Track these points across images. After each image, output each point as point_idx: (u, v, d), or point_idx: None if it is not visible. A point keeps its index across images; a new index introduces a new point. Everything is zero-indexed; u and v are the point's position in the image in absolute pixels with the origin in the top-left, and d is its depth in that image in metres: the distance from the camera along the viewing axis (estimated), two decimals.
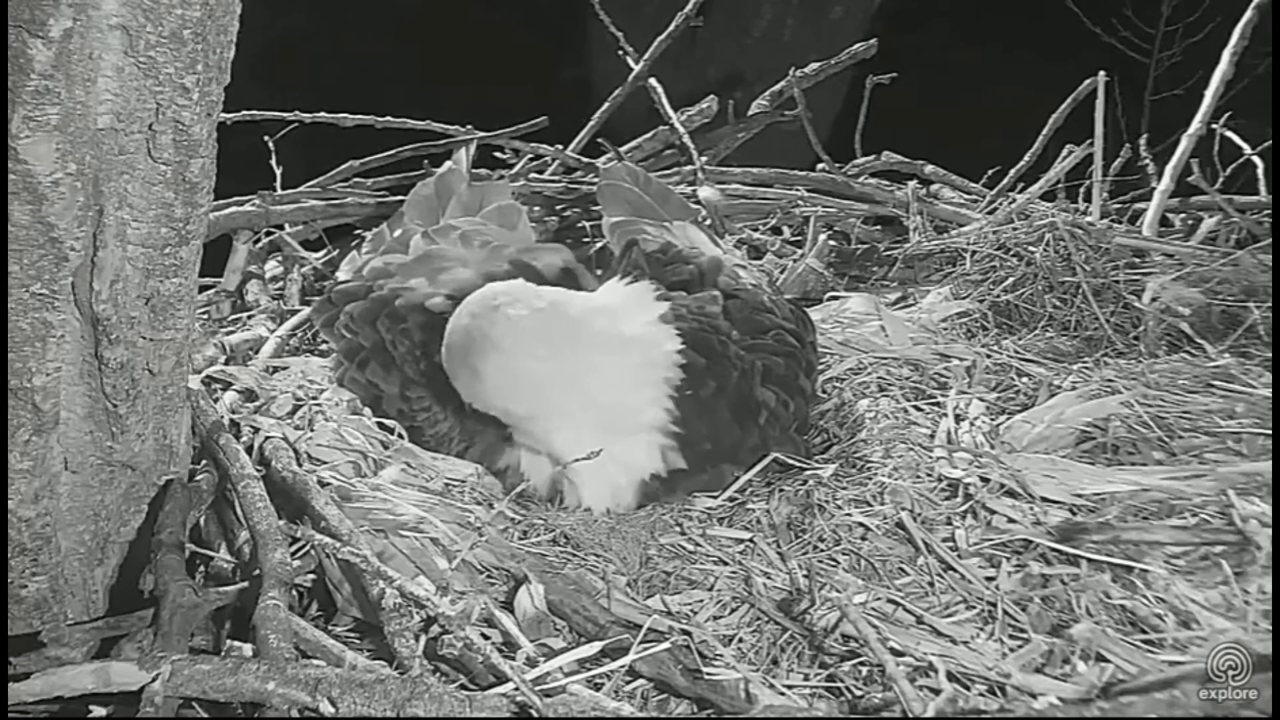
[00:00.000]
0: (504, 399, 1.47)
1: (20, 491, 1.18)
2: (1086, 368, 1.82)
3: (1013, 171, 2.76)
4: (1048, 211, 2.26)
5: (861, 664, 1.17)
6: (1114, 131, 2.95)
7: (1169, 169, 2.50)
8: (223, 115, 1.20)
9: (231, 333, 2.02)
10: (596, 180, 2.24)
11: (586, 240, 2.43)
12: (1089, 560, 1.27)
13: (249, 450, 1.45)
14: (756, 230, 2.66)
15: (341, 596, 1.25)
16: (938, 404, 1.70)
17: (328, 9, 5.15)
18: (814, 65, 3.19)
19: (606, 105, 3.01)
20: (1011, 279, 2.12)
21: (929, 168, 2.96)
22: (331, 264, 2.38)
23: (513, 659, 1.13)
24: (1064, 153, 2.63)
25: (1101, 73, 2.56)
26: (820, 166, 2.95)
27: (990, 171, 2.87)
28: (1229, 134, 2.65)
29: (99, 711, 1.01)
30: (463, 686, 1.10)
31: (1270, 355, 1.82)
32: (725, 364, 1.57)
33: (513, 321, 1.45)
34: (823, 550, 1.38)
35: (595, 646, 1.17)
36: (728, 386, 1.56)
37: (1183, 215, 2.59)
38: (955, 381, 1.77)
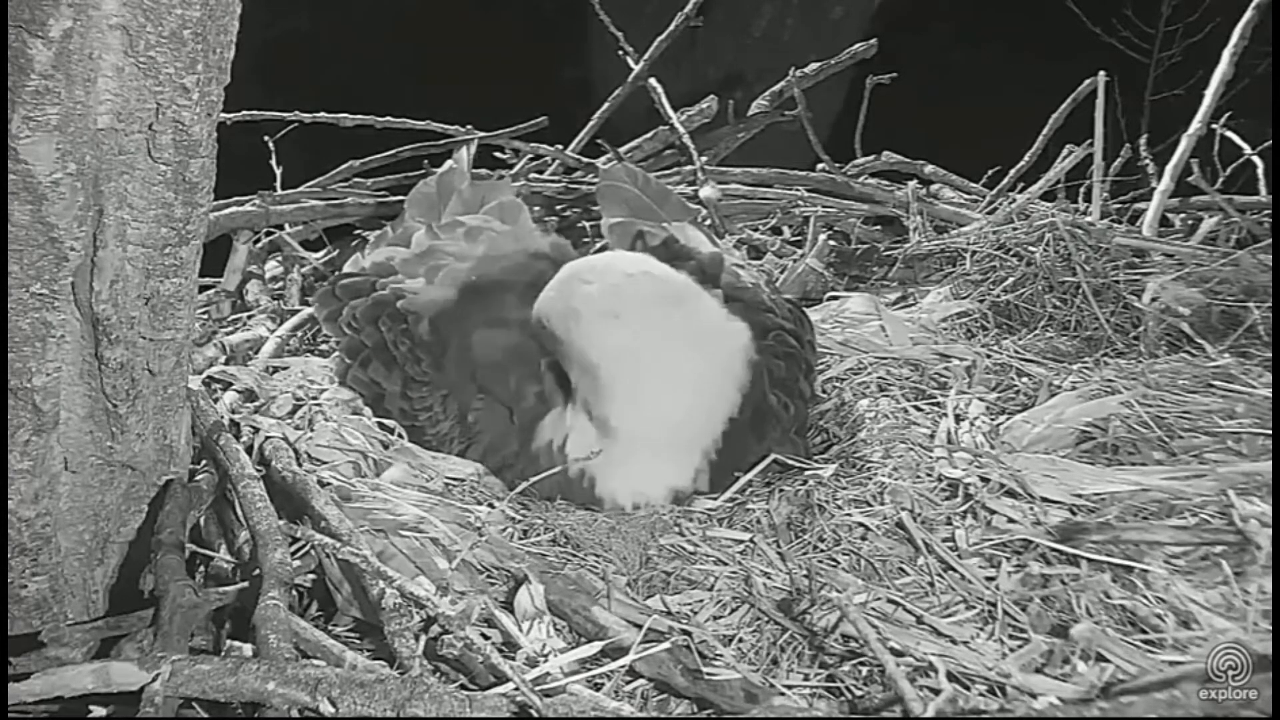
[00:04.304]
0: (612, 357, 1.48)
1: (20, 491, 1.18)
2: (1086, 368, 1.81)
3: (1013, 171, 2.76)
4: (1048, 211, 2.26)
5: (861, 664, 1.17)
6: (1114, 131, 2.95)
7: (1169, 169, 2.50)
8: (223, 115, 1.20)
9: (231, 333, 2.03)
10: (596, 180, 2.24)
11: (586, 240, 2.43)
12: (1089, 560, 1.27)
13: (249, 450, 1.45)
14: (756, 230, 2.66)
15: (341, 596, 1.25)
16: (938, 404, 1.70)
17: (328, 9, 5.14)
18: (814, 65, 3.19)
19: (606, 105, 3.01)
20: (1011, 279, 2.12)
21: (929, 168, 2.96)
22: (331, 264, 2.38)
23: (513, 659, 1.13)
24: (1064, 153, 2.63)
25: (1101, 73, 2.56)
26: (820, 166, 2.95)
27: (990, 171, 2.87)
28: (1229, 134, 2.65)
29: (99, 711, 1.01)
30: (463, 686, 1.10)
31: (1270, 355, 1.82)
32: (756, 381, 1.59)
33: (655, 285, 1.52)
34: (823, 550, 1.37)
35: (595, 646, 1.17)
36: (753, 404, 1.57)
37: (1183, 215, 2.59)
38: (955, 381, 1.77)
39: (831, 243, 2.42)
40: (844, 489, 1.48)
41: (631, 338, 1.48)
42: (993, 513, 1.39)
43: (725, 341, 1.56)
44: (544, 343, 1.55)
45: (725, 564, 1.37)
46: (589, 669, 1.14)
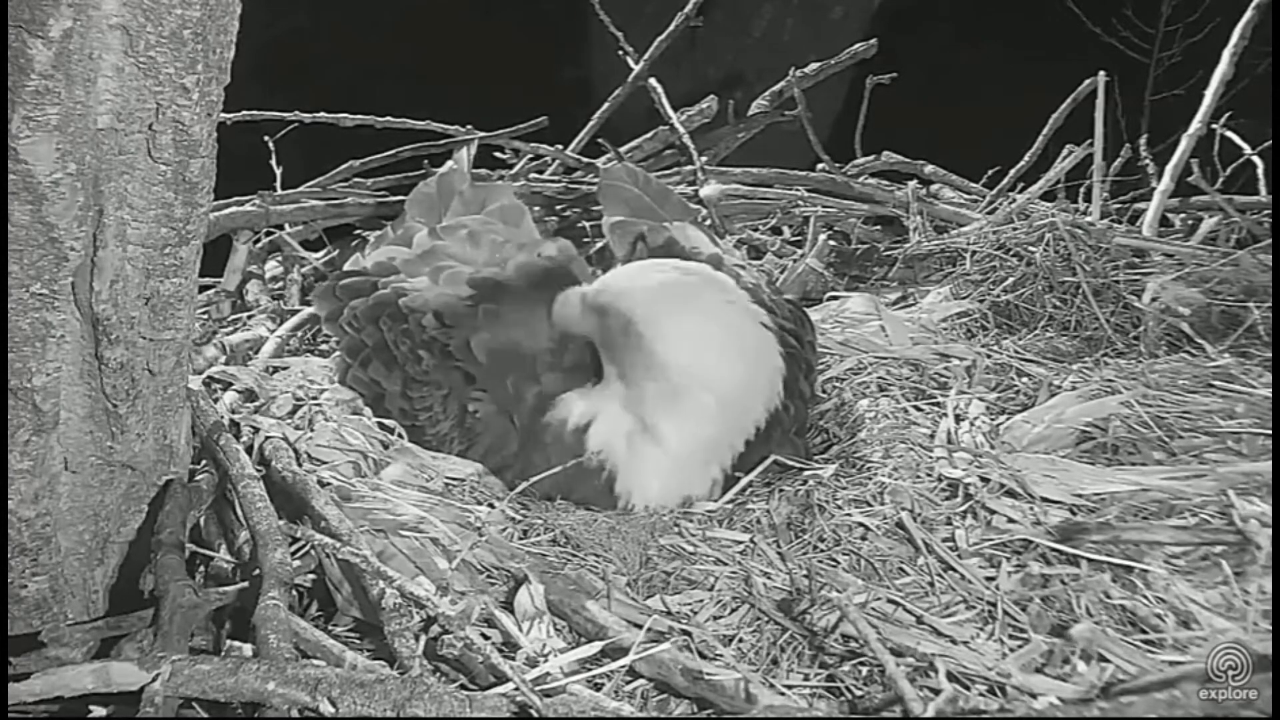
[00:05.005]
0: (687, 369, 1.48)
1: (20, 491, 1.18)
2: (1086, 368, 1.81)
3: (1013, 171, 2.76)
4: (1048, 211, 2.26)
5: (861, 664, 1.17)
6: (1114, 131, 2.95)
7: (1169, 169, 2.50)
8: (223, 115, 1.20)
9: (231, 333, 2.03)
10: (596, 180, 2.24)
11: (586, 240, 2.43)
12: (1089, 560, 1.27)
13: (249, 450, 1.45)
14: (756, 230, 2.66)
15: (341, 596, 1.25)
16: (938, 404, 1.70)
17: (328, 9, 5.14)
18: (814, 65, 3.19)
19: (606, 105, 3.01)
20: (1011, 279, 2.12)
21: (929, 168, 2.96)
22: (331, 264, 2.38)
23: (513, 659, 1.13)
24: (1064, 153, 2.62)
25: (1101, 73, 2.56)
26: (820, 166, 2.95)
27: (990, 171, 2.87)
28: (1229, 134, 2.65)
29: (99, 711, 1.01)
30: (463, 686, 1.10)
31: (1270, 355, 1.82)
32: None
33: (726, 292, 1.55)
34: (823, 550, 1.37)
35: (595, 646, 1.17)
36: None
37: (1183, 215, 2.59)
38: (955, 381, 1.77)
39: (831, 243, 2.42)
40: (844, 489, 1.48)
41: (710, 354, 1.50)
42: (993, 513, 1.39)
43: (769, 360, 1.57)
44: (585, 322, 1.55)
45: (725, 564, 1.37)
46: (589, 669, 1.14)
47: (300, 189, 2.62)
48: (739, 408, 1.53)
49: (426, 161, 2.70)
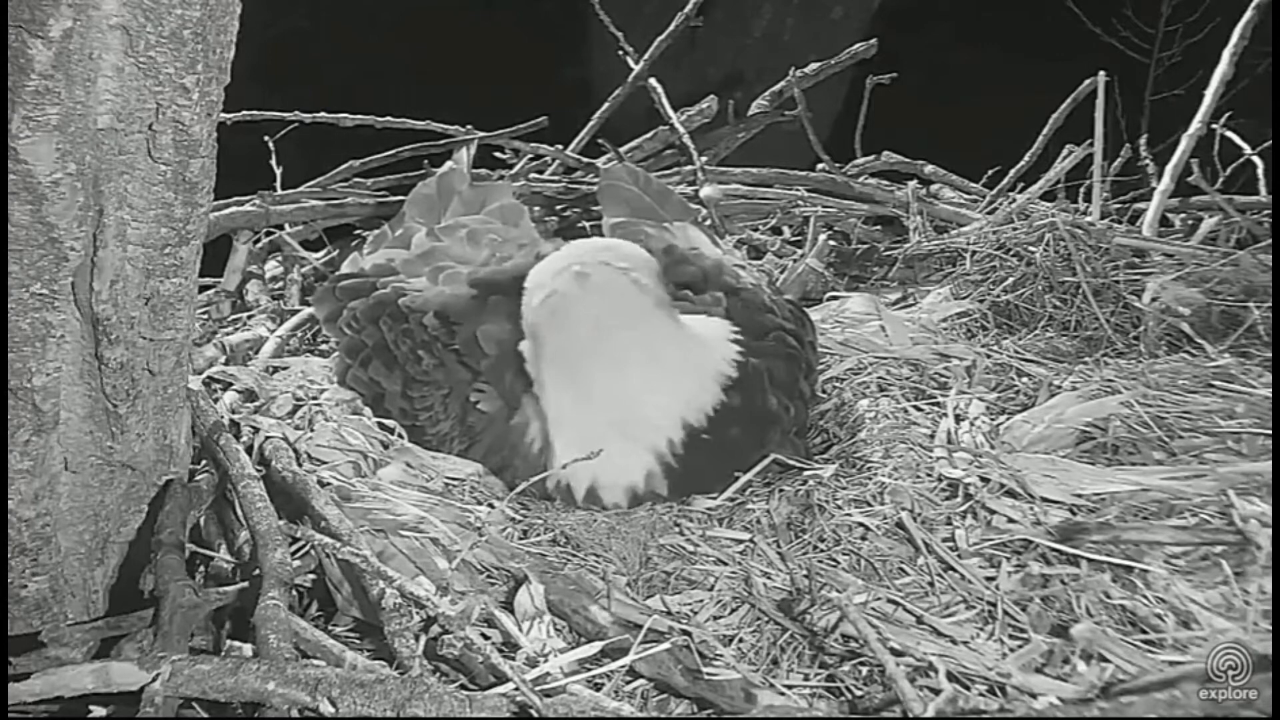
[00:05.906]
0: (556, 351, 1.48)
1: (20, 491, 1.18)
2: (1086, 368, 1.81)
3: (1013, 171, 2.76)
4: (1048, 211, 2.26)
5: (861, 664, 1.17)
6: (1114, 131, 2.95)
7: (1169, 169, 2.50)
8: (223, 115, 1.20)
9: (231, 333, 2.03)
10: (596, 180, 2.24)
11: None
12: (1089, 560, 1.27)
13: (249, 450, 1.45)
14: (756, 230, 2.66)
15: (341, 596, 1.25)
16: (938, 404, 1.70)
17: (328, 9, 5.15)
18: (814, 65, 3.19)
19: (606, 105, 3.01)
20: (1011, 279, 2.12)
21: (929, 168, 2.96)
22: (331, 264, 2.38)
23: (513, 659, 1.13)
24: (1064, 153, 2.63)
25: (1101, 73, 2.56)
26: (820, 166, 2.95)
27: (990, 171, 2.87)
28: (1229, 134, 2.65)
29: (99, 711, 1.01)
30: (463, 686, 1.10)
31: (1270, 355, 1.82)
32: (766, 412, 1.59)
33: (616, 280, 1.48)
34: (823, 550, 1.37)
35: (595, 646, 1.17)
36: (740, 416, 1.56)
37: (1183, 215, 2.59)
38: (955, 381, 1.77)
39: (831, 243, 2.42)
40: (844, 489, 1.48)
41: (578, 332, 1.47)
42: (993, 513, 1.39)
43: (690, 351, 1.54)
44: None
45: (725, 564, 1.37)
46: (589, 669, 1.14)
47: (300, 189, 2.63)
48: (639, 387, 1.49)
49: (426, 161, 2.70)
